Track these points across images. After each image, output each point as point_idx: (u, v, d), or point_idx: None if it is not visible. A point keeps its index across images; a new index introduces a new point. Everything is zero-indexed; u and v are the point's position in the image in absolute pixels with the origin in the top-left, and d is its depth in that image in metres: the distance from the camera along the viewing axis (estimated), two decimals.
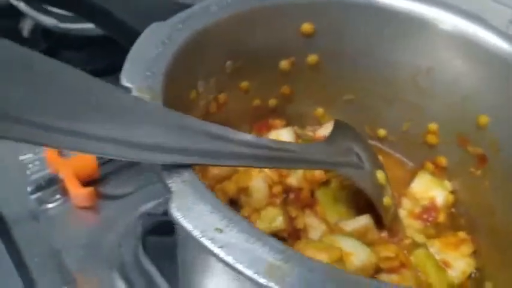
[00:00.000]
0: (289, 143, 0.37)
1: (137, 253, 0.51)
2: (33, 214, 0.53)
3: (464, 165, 0.45)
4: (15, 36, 0.77)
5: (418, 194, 0.48)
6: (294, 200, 0.45)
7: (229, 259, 0.20)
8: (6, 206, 0.53)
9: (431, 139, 0.48)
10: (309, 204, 0.45)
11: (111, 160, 0.58)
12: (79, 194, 0.53)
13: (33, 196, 0.55)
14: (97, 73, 0.53)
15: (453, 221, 0.46)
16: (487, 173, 0.43)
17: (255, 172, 0.43)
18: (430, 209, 0.46)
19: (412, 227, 0.46)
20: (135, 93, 0.28)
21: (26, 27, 0.77)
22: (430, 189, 0.47)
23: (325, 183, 0.46)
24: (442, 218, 0.46)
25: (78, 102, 0.23)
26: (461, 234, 0.44)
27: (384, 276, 0.40)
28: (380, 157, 0.49)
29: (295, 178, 0.45)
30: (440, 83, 0.44)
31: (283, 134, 0.48)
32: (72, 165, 0.54)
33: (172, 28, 0.34)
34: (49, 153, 0.56)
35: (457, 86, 0.43)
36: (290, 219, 0.43)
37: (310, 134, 0.54)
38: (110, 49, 0.59)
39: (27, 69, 0.21)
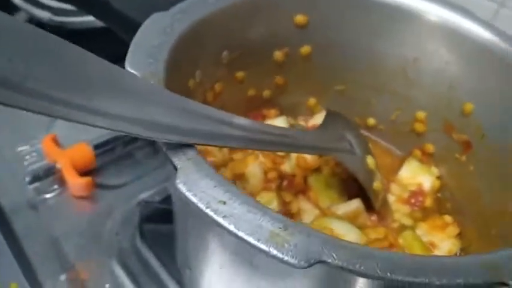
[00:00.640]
0: (287, 128, 0.39)
1: (134, 240, 0.52)
2: (32, 204, 0.54)
3: (450, 151, 0.47)
4: None
5: (406, 180, 0.50)
6: (288, 186, 0.47)
7: (232, 228, 0.21)
8: (4, 197, 0.54)
9: (419, 127, 0.50)
10: (302, 190, 0.47)
11: (107, 150, 0.59)
12: (76, 183, 0.54)
13: (31, 186, 0.55)
14: None
15: (439, 205, 0.49)
16: (472, 158, 0.45)
17: (250, 159, 0.44)
18: (417, 193, 0.49)
19: (400, 211, 0.48)
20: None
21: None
22: (417, 175, 0.50)
23: (318, 170, 0.48)
24: (428, 202, 0.48)
25: (93, 82, 0.24)
26: (447, 218, 0.46)
27: None
28: (370, 145, 0.51)
29: (288, 165, 0.47)
30: (427, 72, 0.46)
31: (277, 123, 0.50)
32: (69, 156, 0.55)
33: (173, 18, 0.36)
34: (46, 144, 0.56)
35: (443, 75, 0.45)
36: (284, 204, 0.44)
37: (303, 123, 0.55)
38: (104, 42, 0.59)
39: (51, 50, 0.22)
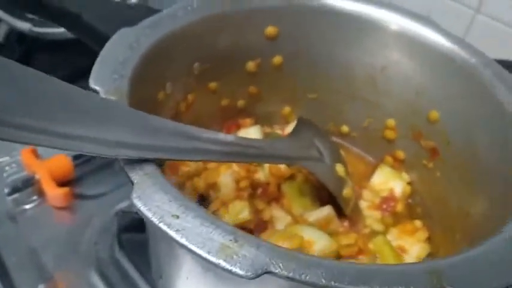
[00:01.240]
0: (254, 139, 0.40)
1: (113, 250, 0.53)
2: (11, 215, 0.55)
3: (419, 158, 0.48)
4: None
5: (378, 186, 0.51)
6: (262, 194, 0.48)
7: (183, 241, 0.22)
8: None
9: (390, 134, 0.51)
10: (275, 197, 0.48)
11: (86, 161, 0.60)
12: (55, 194, 0.54)
13: (10, 198, 0.56)
14: (71, 75, 0.54)
15: (410, 210, 0.50)
16: (439, 165, 0.46)
17: (223, 169, 0.45)
18: (389, 199, 0.50)
19: (372, 217, 0.49)
20: (102, 95, 0.30)
21: (0, 32, 0.78)
22: (389, 181, 0.51)
23: (291, 178, 0.49)
24: (399, 207, 0.49)
25: (53, 105, 0.25)
26: (417, 222, 0.48)
27: None
28: (343, 152, 0.52)
29: (262, 173, 0.48)
30: (395, 81, 0.48)
31: (251, 132, 0.51)
32: (48, 167, 0.56)
33: (140, 33, 0.37)
34: (25, 156, 0.57)
35: (409, 83, 0.47)
36: (257, 212, 0.45)
37: (279, 132, 0.56)
38: (83, 52, 0.60)
39: (12, 77, 0.23)
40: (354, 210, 0.49)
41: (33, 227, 0.54)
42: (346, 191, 0.46)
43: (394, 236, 0.47)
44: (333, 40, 0.48)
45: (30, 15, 0.71)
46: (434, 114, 0.45)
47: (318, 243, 0.42)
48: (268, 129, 0.56)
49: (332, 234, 0.45)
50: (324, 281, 0.21)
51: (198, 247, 0.22)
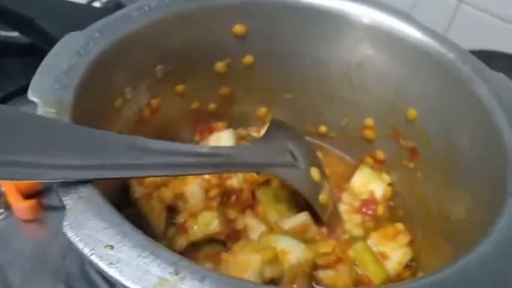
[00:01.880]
0: (220, 147, 0.37)
1: (82, 263, 0.50)
2: None
3: (399, 158, 0.46)
4: None
5: (358, 188, 0.49)
6: (235, 202, 0.45)
7: (117, 276, 0.20)
8: None
9: (369, 134, 0.49)
10: (250, 205, 0.45)
11: None
12: (21, 207, 0.52)
13: None
14: None
15: (392, 213, 0.47)
16: (419, 165, 0.44)
17: (191, 178, 0.43)
18: (369, 202, 0.47)
19: (352, 222, 0.47)
20: (41, 108, 0.28)
21: None
22: (369, 183, 0.48)
23: (266, 183, 0.46)
24: (381, 210, 0.47)
25: None
26: (399, 225, 0.45)
27: (320, 273, 0.40)
28: (320, 154, 0.50)
29: (236, 179, 0.46)
30: (371, 78, 0.45)
31: (224, 136, 0.49)
32: None
33: (89, 37, 0.34)
34: None
35: (386, 80, 0.44)
36: (229, 222, 0.43)
37: (255, 134, 0.54)
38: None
39: None
40: (333, 215, 0.46)
41: (0, 241, 0.51)
42: (322, 197, 0.44)
43: (375, 242, 0.45)
44: (306, 37, 0.46)
45: None
46: (412, 112, 0.43)
47: (293, 253, 0.40)
48: (243, 132, 0.54)
49: (309, 241, 0.43)
50: None
51: (133, 282, 0.20)
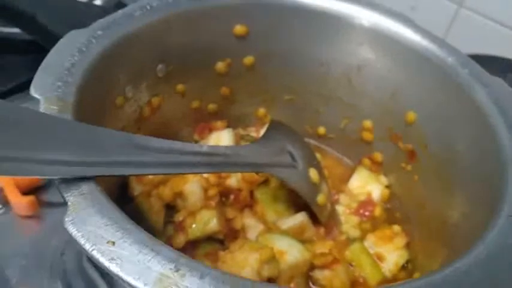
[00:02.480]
0: (218, 146, 0.38)
1: (80, 260, 0.50)
2: None
3: (397, 160, 0.47)
4: None
5: (356, 189, 0.49)
6: (234, 201, 0.45)
7: (118, 271, 0.20)
8: None
9: (367, 136, 0.49)
10: (248, 204, 0.46)
11: None
12: (19, 203, 0.52)
13: None
14: None
15: (389, 214, 0.48)
16: (417, 167, 0.44)
17: (190, 176, 0.43)
18: (366, 203, 0.48)
19: (349, 223, 0.47)
20: (43, 104, 0.28)
21: None
22: (367, 184, 0.49)
23: (265, 183, 0.47)
24: (378, 212, 0.47)
25: None
26: (396, 227, 0.46)
27: (317, 273, 0.41)
28: (319, 155, 0.50)
29: (234, 179, 0.46)
30: (370, 80, 0.46)
31: (223, 136, 0.49)
32: None
33: (91, 35, 0.34)
34: None
35: (385, 83, 0.44)
36: (227, 221, 0.43)
37: (254, 134, 0.54)
38: None
39: None
40: (331, 216, 0.47)
41: None
42: (320, 198, 0.44)
43: (372, 243, 0.45)
44: (307, 39, 0.46)
45: None
46: (411, 115, 0.43)
47: (290, 253, 0.40)
48: (242, 132, 0.54)
49: (307, 242, 0.43)
50: None
51: (133, 278, 0.20)
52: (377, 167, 0.50)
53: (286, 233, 0.43)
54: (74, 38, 0.33)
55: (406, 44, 0.41)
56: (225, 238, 0.42)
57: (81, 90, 0.30)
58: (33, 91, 0.28)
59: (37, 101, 0.28)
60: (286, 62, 0.48)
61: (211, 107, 0.51)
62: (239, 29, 0.45)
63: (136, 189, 0.43)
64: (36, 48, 0.70)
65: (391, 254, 0.44)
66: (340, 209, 0.48)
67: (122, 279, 0.20)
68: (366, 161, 0.50)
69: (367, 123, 0.48)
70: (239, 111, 0.53)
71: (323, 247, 0.43)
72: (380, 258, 0.44)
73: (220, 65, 0.47)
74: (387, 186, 0.49)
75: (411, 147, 0.44)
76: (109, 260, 0.20)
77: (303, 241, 0.43)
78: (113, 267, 0.20)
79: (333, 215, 0.47)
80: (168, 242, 0.41)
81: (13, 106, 0.24)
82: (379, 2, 0.80)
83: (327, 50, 0.46)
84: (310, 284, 0.41)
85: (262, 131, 0.54)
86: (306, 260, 0.40)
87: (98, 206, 0.23)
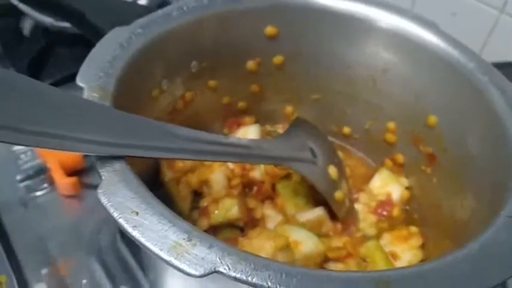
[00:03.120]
0: (241, 138, 0.40)
1: (114, 239, 0.54)
2: (22, 201, 0.57)
3: (417, 163, 0.48)
4: (16, 34, 0.81)
5: (376, 189, 0.50)
6: (256, 193, 0.48)
7: (138, 236, 0.23)
8: None
9: (390, 137, 0.50)
10: (270, 196, 0.48)
11: None
12: (63, 183, 0.57)
13: (23, 184, 0.59)
14: None
15: (407, 216, 0.49)
16: (436, 171, 0.45)
17: (216, 166, 0.46)
18: (385, 203, 0.49)
19: (366, 221, 0.48)
20: (86, 92, 0.32)
21: (26, 26, 0.82)
22: (387, 185, 0.50)
23: (286, 177, 0.49)
24: (396, 212, 0.48)
25: (49, 111, 0.27)
26: (413, 228, 0.47)
27: (330, 265, 0.43)
28: (342, 154, 0.52)
29: (258, 172, 0.49)
30: (395, 83, 0.47)
31: (250, 130, 0.52)
32: (58, 156, 0.58)
33: (132, 32, 0.38)
34: None
35: (409, 86, 0.46)
36: (248, 210, 0.46)
37: (281, 131, 0.56)
38: None
39: (19, 90, 0.25)
40: (349, 213, 0.48)
41: (42, 213, 0.56)
42: (338, 194, 0.46)
43: (387, 242, 0.46)
44: (335, 41, 0.48)
45: None
46: (432, 119, 0.44)
47: (305, 244, 0.42)
48: (270, 128, 0.56)
49: (323, 236, 0.45)
50: (270, 283, 0.22)
51: (151, 244, 0.23)
52: (398, 169, 0.51)
53: (303, 225, 0.45)
54: (117, 34, 0.37)
55: (429, 49, 0.42)
56: (245, 226, 0.45)
57: (120, 81, 0.34)
58: (79, 80, 0.32)
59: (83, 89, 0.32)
60: (314, 63, 0.50)
61: (241, 104, 0.53)
62: (270, 29, 0.48)
63: (167, 175, 0.47)
64: (85, 42, 0.76)
65: (406, 253, 0.45)
66: (359, 207, 0.50)
67: (142, 244, 0.23)
68: (388, 162, 0.51)
69: (391, 125, 0.50)
70: (267, 108, 0.55)
71: (338, 242, 0.45)
72: (394, 256, 0.45)
73: (251, 64, 0.50)
74: (407, 188, 0.50)
75: (431, 151, 0.45)
76: (132, 227, 0.23)
77: (320, 235, 0.44)
78: (135, 234, 0.23)
79: (351, 212, 0.49)
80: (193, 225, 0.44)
81: (62, 92, 0.28)
82: (419, 7, 0.80)
83: (353, 52, 0.48)
84: None
85: None
86: (320, 252, 0.42)
87: (126, 182, 0.26)
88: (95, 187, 0.59)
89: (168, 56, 0.42)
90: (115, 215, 0.24)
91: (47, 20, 0.76)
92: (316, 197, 0.48)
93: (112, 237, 0.55)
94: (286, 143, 0.43)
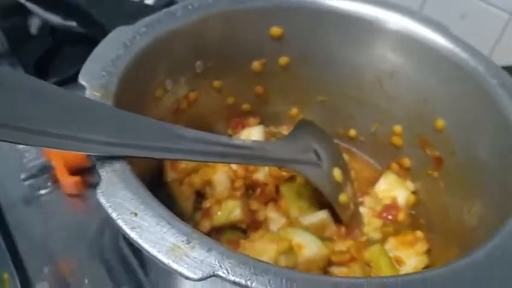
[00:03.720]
0: (245, 140, 0.40)
1: (117, 239, 0.54)
2: (26, 199, 0.57)
3: (424, 167, 0.47)
4: (23, 33, 0.82)
5: (382, 193, 0.50)
6: (260, 195, 0.48)
7: (136, 238, 0.23)
8: (1, 191, 0.57)
9: (396, 141, 0.49)
10: (273, 198, 0.48)
11: None
12: (67, 182, 0.57)
13: (27, 183, 0.58)
14: None
15: (413, 220, 0.48)
16: (443, 174, 0.44)
17: (219, 167, 0.45)
18: (391, 207, 0.48)
19: (372, 225, 0.48)
20: (88, 91, 0.31)
21: (33, 25, 0.82)
22: (393, 189, 0.49)
23: (290, 180, 0.48)
24: (401, 216, 0.48)
25: (51, 111, 0.27)
26: (418, 233, 0.46)
27: (334, 269, 0.42)
28: (347, 157, 0.51)
29: (262, 174, 0.48)
30: (402, 86, 0.46)
31: (254, 132, 0.51)
32: (63, 155, 0.58)
33: (136, 31, 0.37)
34: None
35: (417, 89, 0.45)
36: (251, 212, 0.45)
37: (285, 133, 0.56)
38: None
39: (25, 89, 0.25)
40: (354, 217, 0.48)
41: (46, 212, 0.56)
42: (343, 197, 0.45)
43: (392, 246, 0.45)
44: (342, 42, 0.47)
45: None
46: (440, 122, 0.43)
47: (309, 247, 0.41)
48: (274, 130, 0.56)
49: (327, 239, 0.45)
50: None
51: (150, 246, 0.22)
52: (404, 172, 0.50)
53: (307, 228, 0.44)
54: (120, 34, 0.36)
55: (438, 51, 0.41)
56: (247, 228, 0.44)
57: (123, 80, 0.34)
58: (81, 79, 0.31)
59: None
60: (320, 64, 0.49)
61: (246, 106, 0.53)
62: (275, 30, 0.47)
63: (170, 175, 0.46)
64: (92, 41, 0.76)
65: (411, 258, 0.44)
66: (364, 211, 0.49)
67: (140, 246, 0.23)
68: (394, 166, 0.51)
69: (398, 128, 0.49)
70: (272, 110, 0.55)
71: (342, 246, 0.44)
72: (399, 262, 0.44)
73: (256, 64, 0.50)
74: (413, 192, 0.49)
75: (438, 154, 0.45)
76: (130, 228, 0.23)
77: (323, 238, 0.44)
78: (133, 235, 0.23)
79: (356, 216, 0.48)
80: (196, 227, 0.43)
81: (61, 90, 0.27)
82: (428, 9, 0.79)
83: (361, 54, 0.47)
84: None
85: None
86: (323, 256, 0.42)
87: (126, 182, 0.26)
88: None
89: (172, 56, 0.41)
90: (114, 215, 0.24)
91: (54, 18, 0.76)
92: (320, 200, 0.48)
93: (115, 237, 0.54)
94: (290, 145, 0.43)
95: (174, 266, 0.22)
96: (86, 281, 0.50)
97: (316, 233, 0.44)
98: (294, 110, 0.55)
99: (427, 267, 0.44)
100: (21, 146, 0.63)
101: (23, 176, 0.58)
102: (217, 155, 0.35)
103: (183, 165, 0.46)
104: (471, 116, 0.40)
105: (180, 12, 0.40)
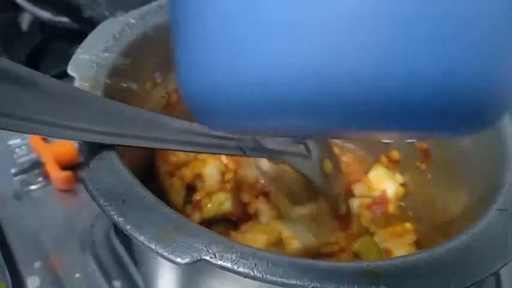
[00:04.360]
0: None
1: (108, 234, 0.54)
2: (17, 195, 0.57)
3: (412, 159, 0.47)
4: (14, 29, 0.82)
5: (371, 185, 0.50)
6: (251, 188, 0.48)
7: (123, 224, 0.23)
8: None
9: None
10: (264, 192, 0.48)
11: None
12: (57, 177, 0.57)
13: (17, 178, 0.58)
14: None
15: (402, 212, 0.49)
16: (430, 166, 0.45)
17: (210, 160, 0.46)
18: (381, 200, 0.49)
19: (361, 217, 0.48)
20: (77, 82, 0.31)
21: (24, 21, 0.82)
22: (382, 181, 0.50)
23: (282, 174, 0.49)
24: (391, 209, 0.48)
25: (43, 99, 0.27)
26: (407, 225, 0.46)
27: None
28: (337, 150, 0.52)
29: (254, 167, 0.48)
30: None
31: None
32: (53, 150, 0.58)
33: (126, 24, 0.38)
34: (33, 139, 0.60)
35: None
36: (242, 205, 0.46)
37: None
38: None
39: (18, 78, 0.25)
40: (344, 209, 0.48)
41: (37, 207, 0.56)
42: (333, 189, 0.46)
43: (382, 238, 0.46)
44: None
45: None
46: None
47: (298, 239, 0.42)
48: None
49: (317, 230, 0.45)
50: (256, 272, 0.21)
51: (137, 232, 0.23)
52: (393, 165, 0.50)
53: (297, 220, 0.45)
54: (110, 26, 0.36)
55: None
56: (238, 220, 0.45)
57: (112, 72, 0.34)
58: (70, 70, 0.32)
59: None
60: None
61: None
62: None
63: (161, 168, 0.46)
64: (83, 37, 0.76)
65: (399, 249, 0.45)
66: (353, 203, 0.49)
67: (127, 232, 0.23)
68: (383, 159, 0.51)
69: None
70: None
71: (332, 237, 0.45)
72: (388, 252, 0.45)
73: None
74: (402, 185, 0.49)
75: (426, 146, 0.45)
76: (118, 214, 0.23)
77: (313, 230, 0.44)
78: (121, 221, 0.23)
79: (346, 208, 0.48)
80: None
81: (51, 79, 0.27)
82: None
83: None
84: None
85: None
86: (313, 247, 0.42)
87: (113, 169, 0.26)
88: None
89: (161, 49, 0.41)
90: (101, 202, 0.24)
91: (45, 14, 0.76)
92: (310, 192, 0.48)
93: (106, 231, 0.55)
94: None
95: (161, 250, 0.22)
96: (77, 275, 0.50)
97: (306, 225, 0.44)
98: None
99: None
100: (11, 142, 0.63)
101: (13, 171, 0.58)
102: (206, 146, 0.35)
103: (173, 158, 0.46)
104: None
105: None
